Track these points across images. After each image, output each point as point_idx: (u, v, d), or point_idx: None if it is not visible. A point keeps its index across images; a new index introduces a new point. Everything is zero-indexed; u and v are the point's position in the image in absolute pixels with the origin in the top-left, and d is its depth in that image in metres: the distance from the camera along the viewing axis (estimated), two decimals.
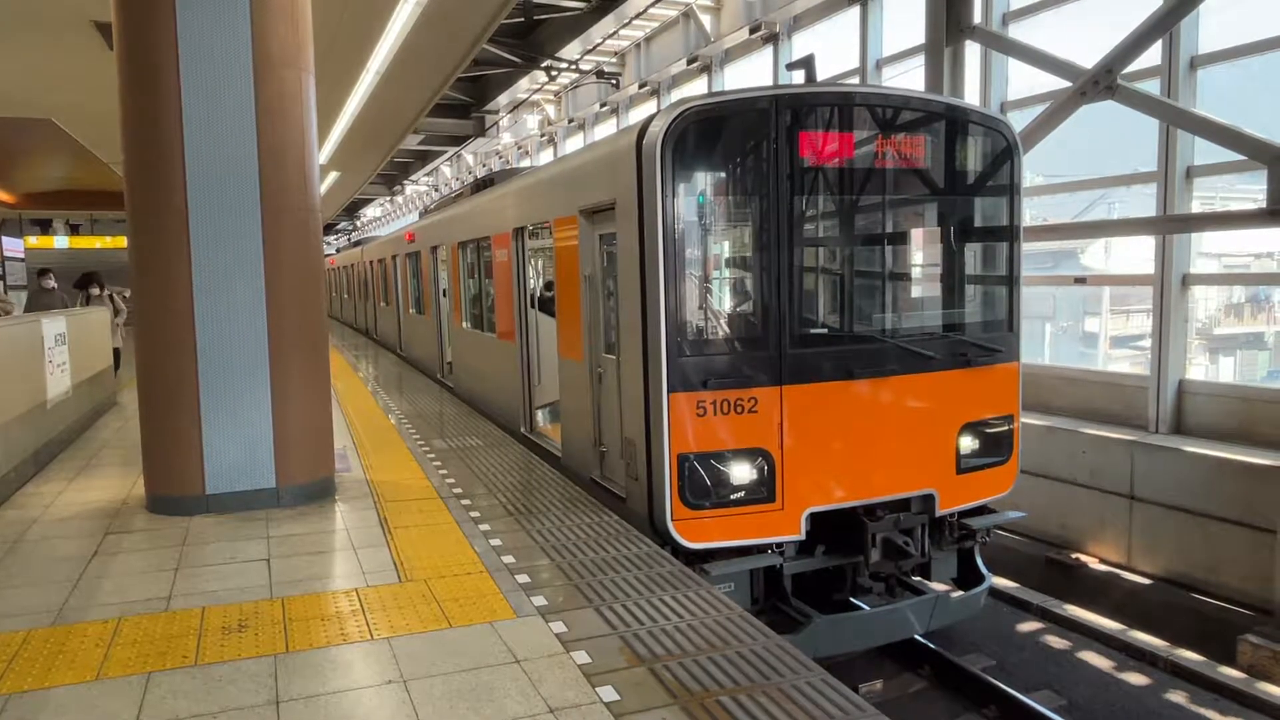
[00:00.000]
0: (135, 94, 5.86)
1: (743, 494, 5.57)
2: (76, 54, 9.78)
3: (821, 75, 6.45)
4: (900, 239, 6.47)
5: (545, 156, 24.21)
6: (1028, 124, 8.67)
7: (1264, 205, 6.85)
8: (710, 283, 5.81)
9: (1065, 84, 8.57)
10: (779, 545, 5.73)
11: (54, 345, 8.08)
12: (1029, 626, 7.46)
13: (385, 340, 19.86)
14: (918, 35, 10.41)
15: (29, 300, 13.53)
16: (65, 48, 9.62)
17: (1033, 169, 9.70)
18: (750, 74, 15.19)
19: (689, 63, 16.09)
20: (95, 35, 9.03)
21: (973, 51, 9.99)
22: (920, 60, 10.25)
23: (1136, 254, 9.48)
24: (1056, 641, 7.15)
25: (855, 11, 12.32)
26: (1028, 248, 7.15)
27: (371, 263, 21.37)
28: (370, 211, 45.46)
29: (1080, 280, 9.97)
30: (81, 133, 14.60)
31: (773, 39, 13.98)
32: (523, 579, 4.66)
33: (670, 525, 5.48)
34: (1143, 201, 9.22)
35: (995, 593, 7.66)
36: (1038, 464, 8.97)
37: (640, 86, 18.13)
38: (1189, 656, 6.67)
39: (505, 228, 8.86)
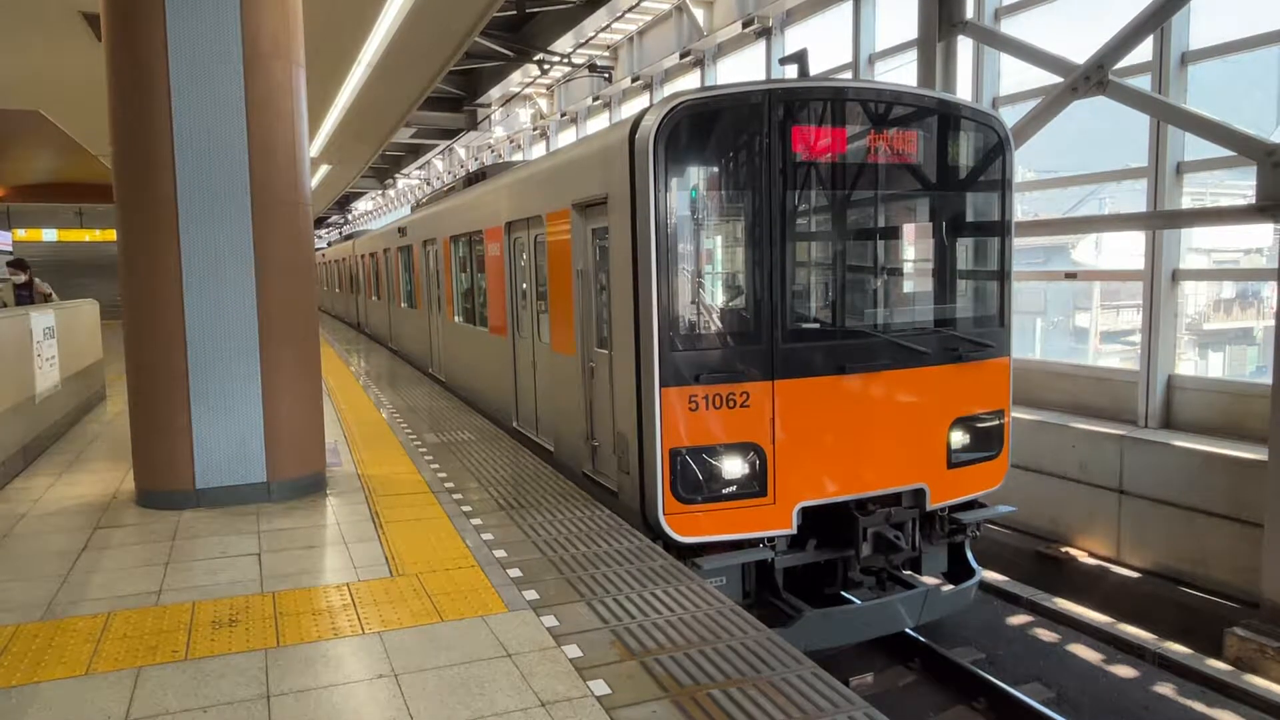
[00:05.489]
0: (123, 85, 5.82)
1: (734, 488, 5.58)
2: (64, 45, 9.69)
3: (814, 70, 6.44)
4: (892, 234, 6.48)
5: (538, 150, 24.15)
6: (1019, 119, 8.69)
7: (1253, 201, 6.88)
8: (702, 277, 5.81)
9: (1057, 79, 8.58)
10: (770, 539, 5.75)
11: (42, 339, 8.03)
12: (1018, 620, 7.50)
13: (376, 334, 19.82)
14: (910, 30, 10.41)
15: None
16: (53, 38, 9.53)
17: (1024, 164, 9.72)
18: (743, 68, 15.17)
19: (681, 57, 16.06)
20: (83, 26, 8.95)
21: (965, 46, 10.00)
22: (913, 55, 10.26)
23: (1127, 249, 9.52)
24: (1046, 634, 7.19)
25: (848, 6, 12.31)
26: (1019, 243, 7.17)
27: (363, 256, 21.30)
28: (362, 205, 45.30)
29: (1071, 275, 10.00)
30: (69, 124, 14.47)
31: (765, 33, 13.96)
32: (514, 573, 4.66)
33: (662, 519, 5.49)
34: (1133, 197, 9.25)
35: (985, 586, 7.69)
36: (1028, 459, 9.01)
37: (633, 80, 18.09)
38: (1176, 649, 6.71)
39: (497, 222, 8.84)
